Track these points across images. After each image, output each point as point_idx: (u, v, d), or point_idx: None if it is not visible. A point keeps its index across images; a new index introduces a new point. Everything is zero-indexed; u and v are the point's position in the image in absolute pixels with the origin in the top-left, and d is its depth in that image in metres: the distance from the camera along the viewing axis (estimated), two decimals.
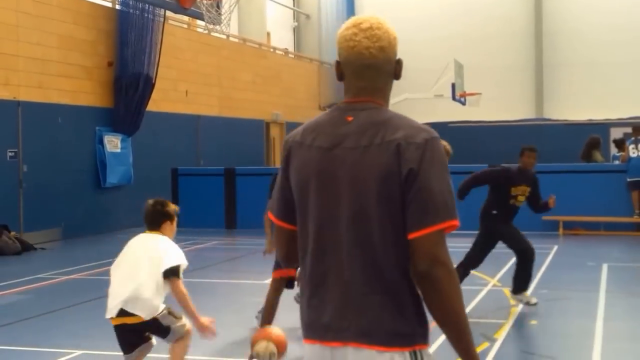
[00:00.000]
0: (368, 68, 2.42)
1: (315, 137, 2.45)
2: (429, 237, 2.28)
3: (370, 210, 2.32)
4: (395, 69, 2.48)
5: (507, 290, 8.92)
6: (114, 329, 5.05)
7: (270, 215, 2.59)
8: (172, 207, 5.15)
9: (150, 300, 4.81)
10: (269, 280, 10.00)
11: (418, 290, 2.35)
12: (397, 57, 2.47)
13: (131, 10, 16.64)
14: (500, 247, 8.01)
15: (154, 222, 5.07)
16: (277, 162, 24.12)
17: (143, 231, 5.19)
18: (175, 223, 5.14)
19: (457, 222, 2.32)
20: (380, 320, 2.32)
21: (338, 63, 2.48)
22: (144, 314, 4.82)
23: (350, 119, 2.41)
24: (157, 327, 4.90)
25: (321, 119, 2.50)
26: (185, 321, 5.02)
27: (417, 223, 2.29)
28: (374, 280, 2.33)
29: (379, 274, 2.33)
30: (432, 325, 2.41)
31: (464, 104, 23.67)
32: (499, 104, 28.39)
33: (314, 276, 2.42)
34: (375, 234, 2.33)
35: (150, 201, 5.18)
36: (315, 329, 2.40)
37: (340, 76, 2.49)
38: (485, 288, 9.32)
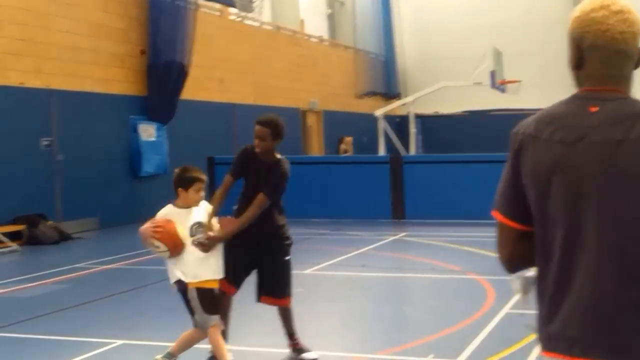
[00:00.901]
0: (618, 54, 2.18)
1: (554, 131, 2.18)
2: None
3: (630, 214, 2.07)
4: (638, 58, 2.23)
5: None
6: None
7: (496, 214, 2.31)
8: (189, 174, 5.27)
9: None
10: (309, 271, 9.86)
11: None
12: None
13: None
14: None
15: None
16: (314, 151, 23.72)
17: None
18: (192, 190, 5.25)
19: None
20: (634, 338, 2.06)
21: (578, 48, 2.21)
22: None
23: (594, 109, 2.15)
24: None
25: (557, 110, 2.22)
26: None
27: None
28: (631, 293, 2.07)
29: (636, 285, 2.07)
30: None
31: (503, 91, 23.07)
32: (540, 91, 27.64)
33: (559, 285, 2.17)
34: (635, 238, 2.06)
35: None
36: (558, 341, 2.16)
37: (579, 62, 2.22)
38: None
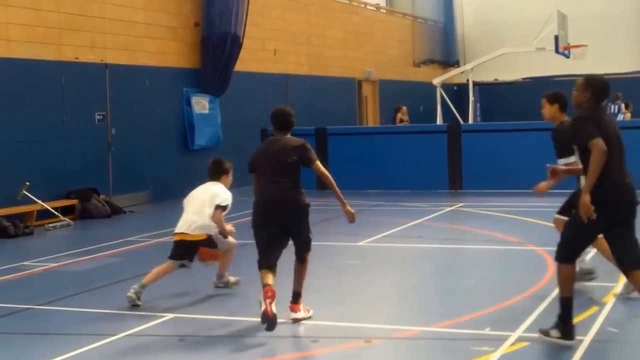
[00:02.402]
0: None
1: None
2: None
3: None
4: None
5: None
6: (174, 243, 7.10)
7: None
8: (228, 164, 7.30)
9: (209, 226, 6.96)
10: (363, 242, 9.68)
11: None
12: None
13: None
14: None
15: (215, 174, 7.24)
16: (370, 121, 23.40)
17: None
18: (230, 176, 7.27)
19: None
20: None
21: None
22: (204, 233, 6.98)
23: None
24: (211, 241, 7.02)
25: None
26: (230, 239, 7.11)
27: None
28: None
29: None
30: None
31: (568, 56, 22.34)
32: (606, 55, 26.79)
33: None
34: None
35: (211, 159, 7.48)
36: None
37: None
38: (592, 250, 8.57)
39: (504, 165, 14.76)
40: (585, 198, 5.00)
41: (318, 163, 6.10)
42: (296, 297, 6.09)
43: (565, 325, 5.23)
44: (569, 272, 5.31)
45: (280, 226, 6.06)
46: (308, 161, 6.08)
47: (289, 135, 6.22)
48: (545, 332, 5.29)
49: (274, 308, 5.61)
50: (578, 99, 5.39)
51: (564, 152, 6.42)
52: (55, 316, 6.66)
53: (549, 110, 6.77)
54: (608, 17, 27.60)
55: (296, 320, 5.98)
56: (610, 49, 27.35)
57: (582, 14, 25.80)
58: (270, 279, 5.85)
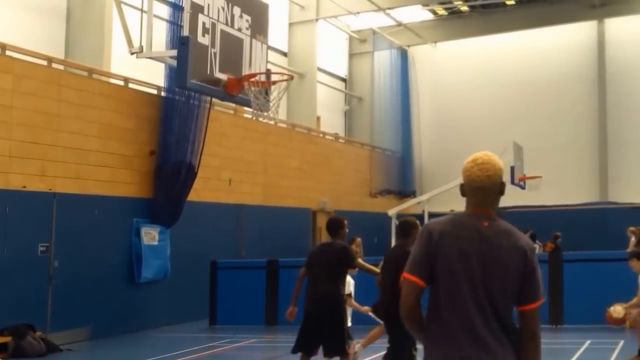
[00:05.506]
0: (479, 189, 3.62)
1: (465, 233, 3.56)
2: None
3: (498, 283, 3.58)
4: (499, 188, 3.64)
5: None
6: None
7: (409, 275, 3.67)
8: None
9: None
10: None
11: None
12: (502, 180, 3.64)
13: (177, 97, 16.18)
14: None
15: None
16: None
17: None
18: None
19: None
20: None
21: (462, 185, 3.65)
22: None
23: (485, 223, 3.58)
24: None
25: (464, 219, 3.62)
26: None
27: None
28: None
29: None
30: None
31: (523, 188, 22.65)
32: (561, 187, 27.29)
33: None
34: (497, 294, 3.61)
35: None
36: None
37: (463, 193, 3.67)
38: None
39: None
40: None
41: None
42: None
43: None
44: None
45: None
46: None
47: None
48: None
49: None
50: None
51: None
52: None
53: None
54: (562, 149, 28.24)
55: None
56: (564, 181, 27.87)
57: (537, 146, 26.36)
58: None
